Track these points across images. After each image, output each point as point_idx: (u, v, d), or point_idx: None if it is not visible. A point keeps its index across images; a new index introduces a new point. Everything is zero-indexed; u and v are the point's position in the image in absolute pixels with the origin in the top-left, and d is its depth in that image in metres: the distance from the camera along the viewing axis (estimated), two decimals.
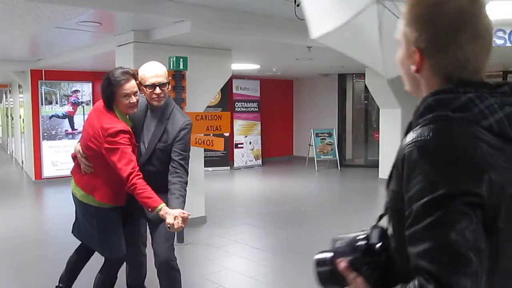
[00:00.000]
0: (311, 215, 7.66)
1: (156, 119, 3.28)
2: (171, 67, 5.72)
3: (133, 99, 3.18)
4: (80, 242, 3.65)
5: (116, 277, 3.55)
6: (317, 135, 13.01)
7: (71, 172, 3.47)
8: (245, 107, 13.44)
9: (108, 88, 3.18)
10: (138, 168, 3.08)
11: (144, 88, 3.22)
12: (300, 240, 6.16)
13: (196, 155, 6.66)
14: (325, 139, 13.04)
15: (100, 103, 3.30)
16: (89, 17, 5.38)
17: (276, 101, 14.53)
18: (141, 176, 3.05)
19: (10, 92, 16.93)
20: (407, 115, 10.18)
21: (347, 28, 2.39)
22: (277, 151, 14.59)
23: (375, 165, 11.17)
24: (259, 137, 13.73)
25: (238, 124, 13.20)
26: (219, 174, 12.08)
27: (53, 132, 10.92)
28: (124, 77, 3.16)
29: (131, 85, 3.17)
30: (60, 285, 3.73)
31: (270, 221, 7.27)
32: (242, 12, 5.78)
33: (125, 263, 3.63)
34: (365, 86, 11.50)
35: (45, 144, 10.84)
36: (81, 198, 3.36)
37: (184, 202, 3.14)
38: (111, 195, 3.27)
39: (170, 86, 3.36)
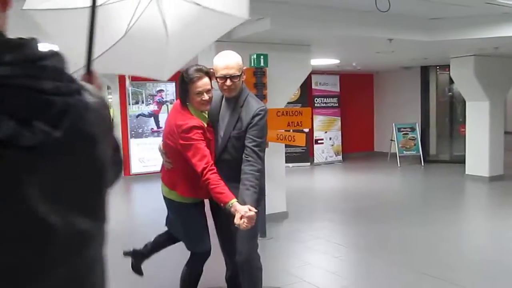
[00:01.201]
0: (393, 211, 7.50)
1: (231, 108, 3.26)
2: (252, 64, 5.81)
3: (206, 97, 3.20)
4: None
5: (202, 270, 3.63)
6: (399, 130, 12.68)
7: (160, 169, 3.62)
8: (325, 103, 13.34)
9: (182, 85, 3.24)
10: (212, 163, 3.09)
11: (217, 79, 3.20)
12: (382, 236, 6.06)
13: (277, 151, 6.73)
14: (407, 134, 12.68)
15: (177, 101, 3.39)
16: None
17: (356, 96, 14.31)
18: (214, 170, 3.07)
19: None
20: (495, 108, 9.69)
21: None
22: (357, 147, 14.37)
23: (461, 160, 10.70)
24: (339, 132, 13.58)
25: (318, 119, 13.13)
26: (300, 170, 12.09)
27: (140, 130, 11.43)
28: (197, 75, 3.18)
29: (204, 82, 3.19)
30: (142, 250, 3.89)
31: (351, 217, 7.20)
32: (322, 7, 5.76)
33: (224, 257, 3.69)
34: (450, 78, 11.03)
35: (133, 142, 11.38)
36: (165, 193, 3.49)
37: (256, 192, 3.07)
38: (190, 189, 3.33)
39: (243, 78, 3.27)
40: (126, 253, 3.95)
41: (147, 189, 10.04)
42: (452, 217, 6.93)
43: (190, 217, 3.45)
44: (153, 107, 11.51)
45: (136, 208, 9.05)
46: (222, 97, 3.34)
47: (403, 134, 12.67)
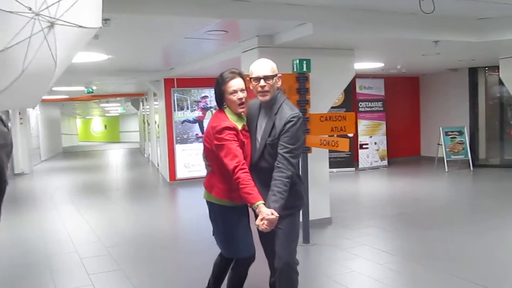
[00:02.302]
0: (441, 218, 7.31)
1: (267, 116, 3.31)
2: (295, 70, 5.80)
3: (240, 95, 3.27)
4: None
5: (247, 274, 3.65)
6: (446, 133, 12.37)
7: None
8: (369, 107, 13.17)
9: (217, 87, 3.35)
10: (243, 162, 3.14)
11: (252, 82, 3.28)
12: (429, 244, 5.90)
13: (321, 156, 6.69)
14: (455, 137, 12.34)
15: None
16: (216, 26, 5.65)
17: (402, 99, 14.07)
18: (246, 170, 3.11)
19: (146, 100, 18.29)
20: None
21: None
22: (403, 152, 14.11)
23: None
24: (385, 137, 13.37)
25: (362, 124, 12.99)
26: (344, 175, 11.97)
27: (185, 136, 11.61)
28: (231, 75, 3.30)
29: (237, 81, 3.29)
30: (209, 286, 3.88)
31: (397, 223, 7.06)
32: (364, 10, 5.70)
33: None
34: (499, 79, 10.68)
35: (178, 148, 11.56)
36: (205, 196, 3.55)
37: (283, 198, 3.08)
38: (225, 192, 3.37)
39: (279, 84, 3.33)
40: None
41: (192, 193, 10.17)
42: (503, 225, 6.68)
43: (230, 220, 3.47)
44: (197, 113, 11.68)
45: (181, 213, 9.18)
46: (260, 105, 3.39)
47: (450, 138, 12.35)
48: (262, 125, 3.34)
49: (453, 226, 6.69)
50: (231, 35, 6.28)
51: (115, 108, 30.17)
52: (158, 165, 14.28)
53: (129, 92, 18.17)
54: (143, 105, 20.42)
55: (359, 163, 12.95)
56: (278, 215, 3.02)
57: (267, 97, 3.28)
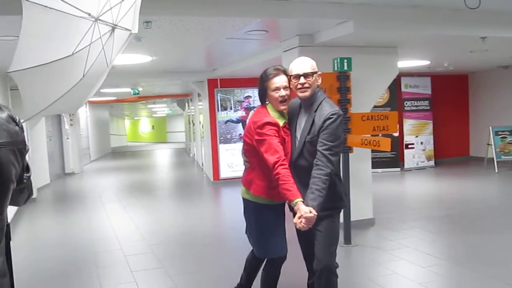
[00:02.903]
0: (490, 221, 7.05)
1: (307, 114, 3.29)
2: (336, 69, 5.74)
3: (282, 93, 3.27)
4: None
5: (279, 272, 3.63)
6: (496, 133, 11.94)
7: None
8: (415, 106, 12.88)
9: (261, 83, 3.37)
10: (284, 158, 3.13)
11: (292, 80, 3.28)
12: (476, 247, 5.71)
13: (363, 156, 6.59)
14: (506, 137, 11.90)
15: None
16: (257, 26, 5.66)
17: (450, 98, 13.68)
18: (286, 166, 3.09)
19: (191, 100, 18.54)
20: None
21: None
22: (451, 152, 13.72)
23: None
24: (431, 136, 13.04)
25: (408, 123, 12.71)
26: (389, 176, 11.76)
27: (228, 136, 11.70)
28: (275, 72, 3.31)
29: (281, 79, 3.29)
30: (240, 282, 3.91)
31: (443, 225, 6.86)
32: (407, 7, 5.56)
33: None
34: None
35: (222, 147, 11.66)
36: (242, 193, 3.55)
37: (321, 196, 3.03)
38: (264, 188, 3.36)
39: (318, 82, 3.32)
40: None
41: (234, 193, 10.19)
42: None
43: (265, 219, 3.46)
44: (241, 113, 11.74)
45: (223, 212, 9.25)
46: (300, 104, 3.39)
47: (501, 137, 11.91)
48: (301, 123, 3.33)
49: (502, 230, 6.45)
50: (271, 34, 6.28)
51: (162, 109, 30.76)
52: (202, 165, 14.45)
53: (175, 93, 18.46)
54: (188, 105, 20.71)
55: (405, 163, 12.67)
56: (316, 214, 2.98)
57: (307, 93, 3.27)
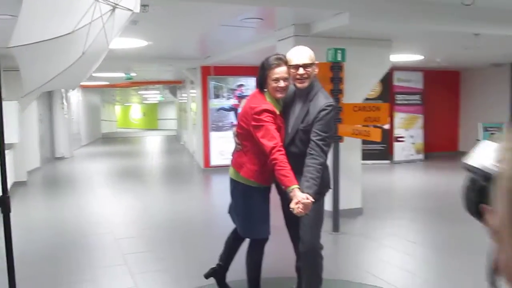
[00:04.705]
0: None
1: (301, 102, 3.36)
2: (329, 59, 5.79)
3: (281, 84, 3.31)
4: None
5: (263, 252, 3.69)
6: (486, 129, 12.08)
7: (232, 154, 3.74)
8: (407, 100, 12.98)
9: (261, 71, 3.39)
10: (281, 144, 3.19)
11: (290, 70, 3.32)
12: (463, 237, 5.82)
13: (353, 147, 6.67)
14: (494, 133, 12.06)
15: (256, 89, 3.51)
16: (252, 14, 5.69)
17: (441, 94, 13.80)
18: (283, 152, 3.15)
19: (183, 87, 18.50)
20: None
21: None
22: (441, 146, 13.87)
23: None
24: (421, 130, 13.17)
25: (399, 117, 12.83)
26: (379, 168, 11.88)
27: (220, 124, 11.73)
28: (277, 62, 3.33)
29: (282, 70, 3.32)
30: (219, 263, 4.00)
31: (430, 216, 6.98)
32: (402, 1, 5.63)
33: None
34: None
35: (213, 135, 11.70)
36: (231, 175, 3.62)
37: (316, 185, 3.13)
38: (255, 172, 3.43)
39: (315, 71, 3.37)
40: (207, 275, 4.01)
41: (225, 180, 10.19)
42: None
43: (253, 201, 3.52)
44: (233, 101, 11.77)
45: (213, 199, 9.32)
46: (295, 92, 3.44)
47: (490, 134, 12.06)
48: (295, 111, 3.39)
49: None
50: (267, 23, 6.31)
51: (153, 95, 30.63)
52: (193, 152, 14.48)
53: (167, 80, 18.42)
54: (180, 92, 20.67)
55: (394, 156, 12.81)
56: (313, 200, 3.06)
57: (306, 84, 3.33)
